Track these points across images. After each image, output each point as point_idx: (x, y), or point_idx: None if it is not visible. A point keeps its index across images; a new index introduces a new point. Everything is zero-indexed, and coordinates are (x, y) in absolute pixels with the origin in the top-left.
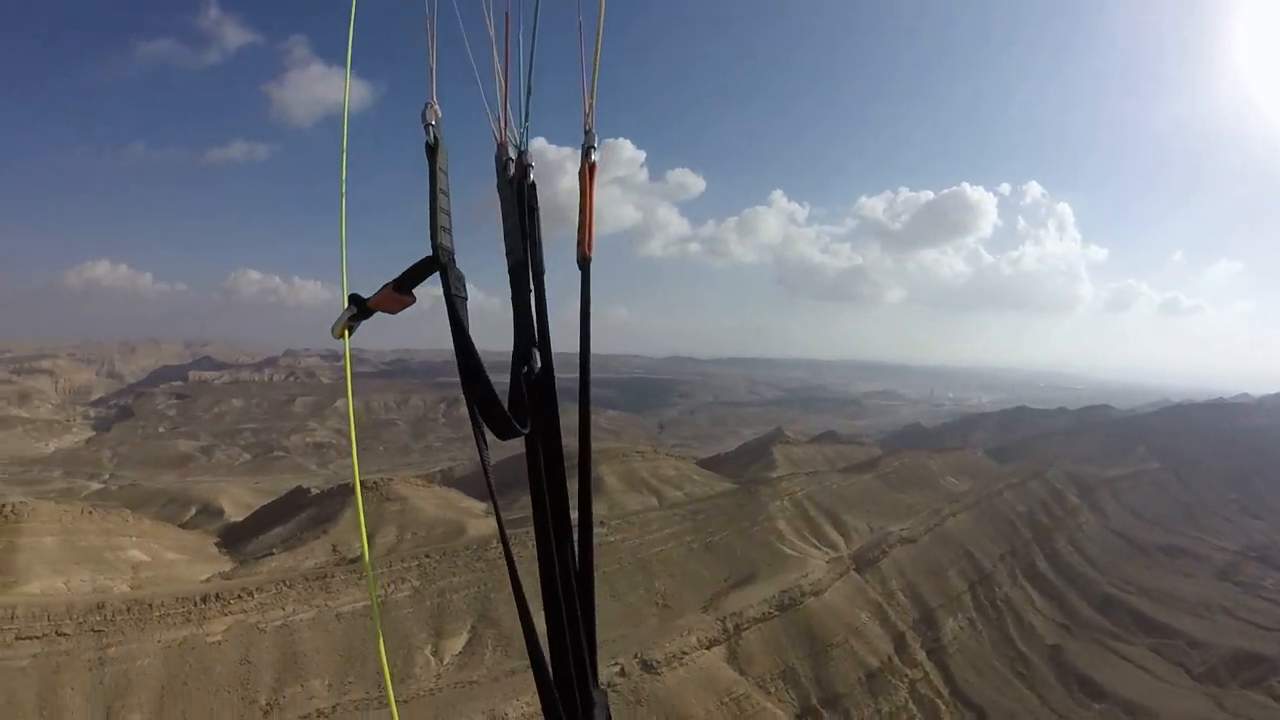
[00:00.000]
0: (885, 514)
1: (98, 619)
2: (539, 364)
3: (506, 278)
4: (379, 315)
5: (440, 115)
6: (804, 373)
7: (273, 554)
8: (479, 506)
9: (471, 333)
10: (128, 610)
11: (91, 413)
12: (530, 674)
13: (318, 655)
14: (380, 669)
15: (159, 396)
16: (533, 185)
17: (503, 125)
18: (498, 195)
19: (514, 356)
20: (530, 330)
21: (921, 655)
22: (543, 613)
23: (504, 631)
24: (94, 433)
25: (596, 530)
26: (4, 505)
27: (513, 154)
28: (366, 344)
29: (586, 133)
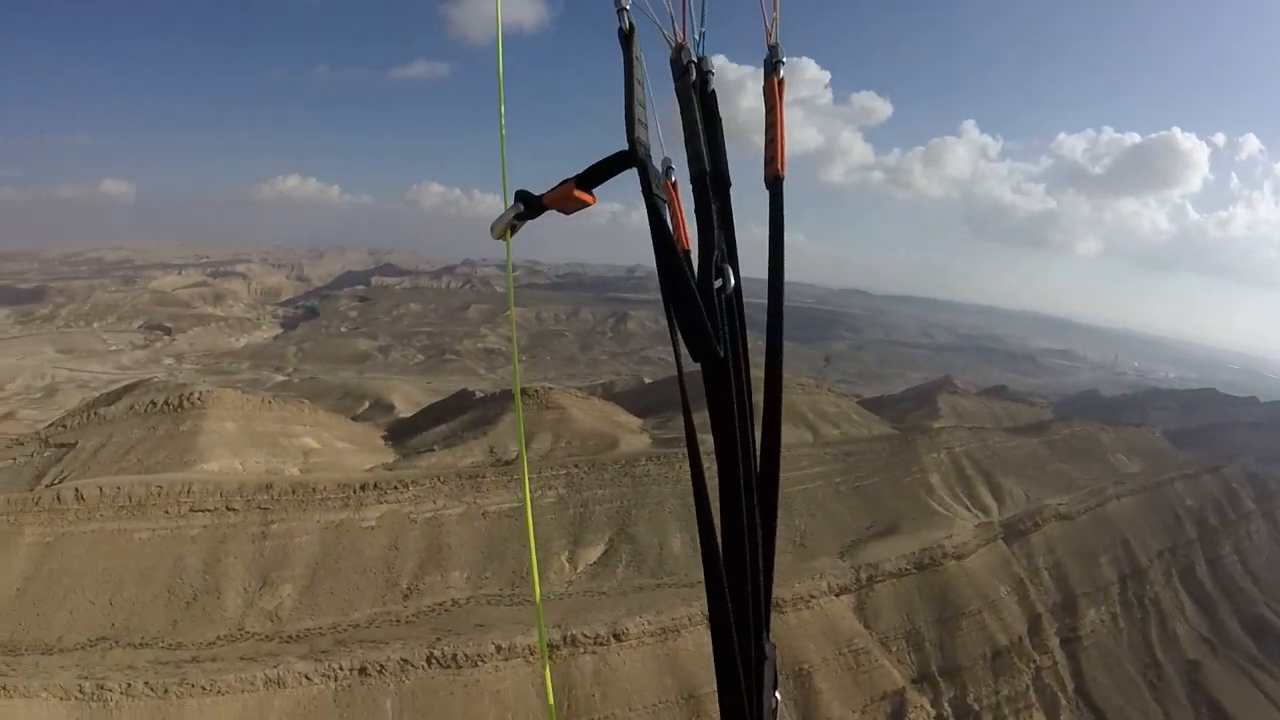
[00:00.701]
0: (1045, 484)
1: (265, 498)
2: (731, 281)
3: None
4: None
5: None
6: (981, 320)
7: (433, 450)
8: (635, 422)
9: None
10: (293, 492)
11: (280, 312)
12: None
13: (461, 549)
14: (523, 568)
15: (343, 299)
16: (713, 92)
17: (681, 25)
18: (676, 100)
19: (701, 271)
20: (719, 243)
21: (1054, 643)
22: (720, 549)
23: (639, 548)
24: (281, 330)
25: None
26: (193, 392)
27: (692, 56)
28: (541, 255)
29: (771, 47)
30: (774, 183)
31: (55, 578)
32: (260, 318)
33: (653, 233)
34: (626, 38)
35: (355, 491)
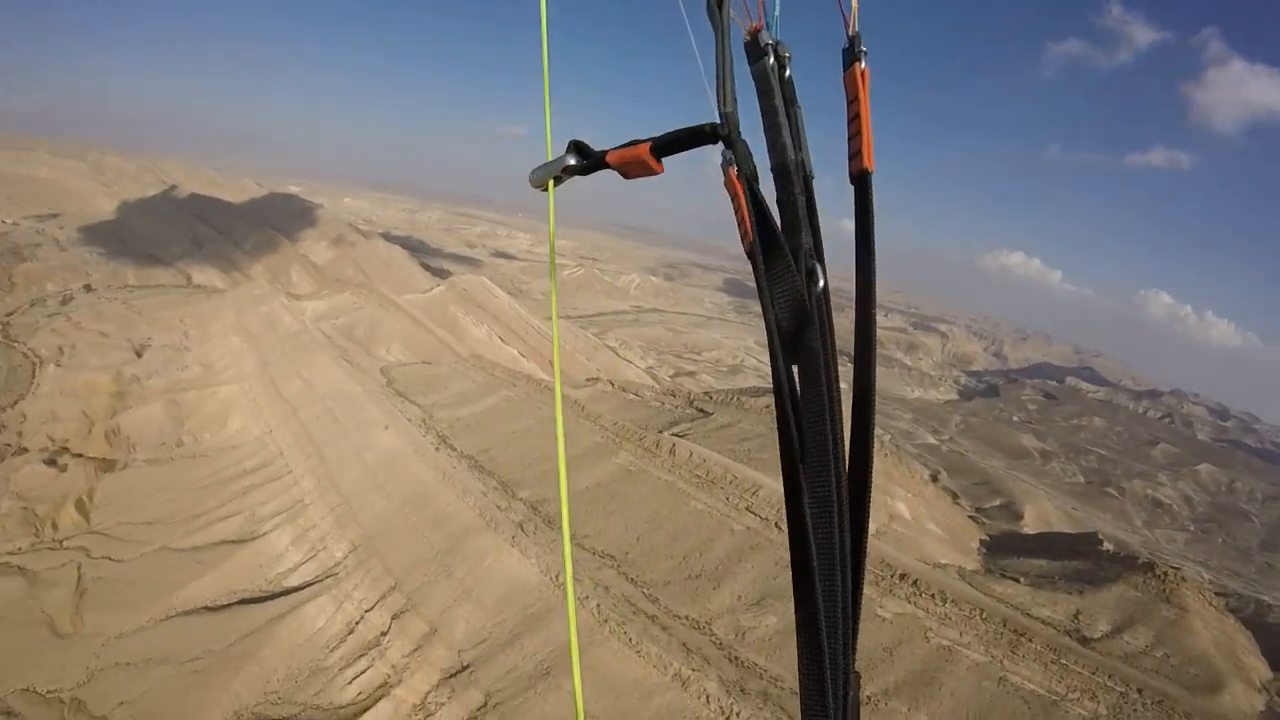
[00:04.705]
0: None
1: None
2: (820, 280)
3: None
4: None
5: None
6: None
7: (1017, 581)
8: (1263, 672)
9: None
10: None
11: (962, 380)
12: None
13: (949, 698)
14: None
15: (1028, 388)
16: (790, 78)
17: (760, 8)
18: (755, 87)
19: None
20: (807, 238)
21: None
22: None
23: None
24: (956, 397)
25: None
26: None
27: (769, 39)
28: (1264, 413)
29: (852, 38)
30: (860, 177)
31: (614, 496)
32: (942, 379)
33: (752, 217)
34: (718, 5)
35: (894, 577)
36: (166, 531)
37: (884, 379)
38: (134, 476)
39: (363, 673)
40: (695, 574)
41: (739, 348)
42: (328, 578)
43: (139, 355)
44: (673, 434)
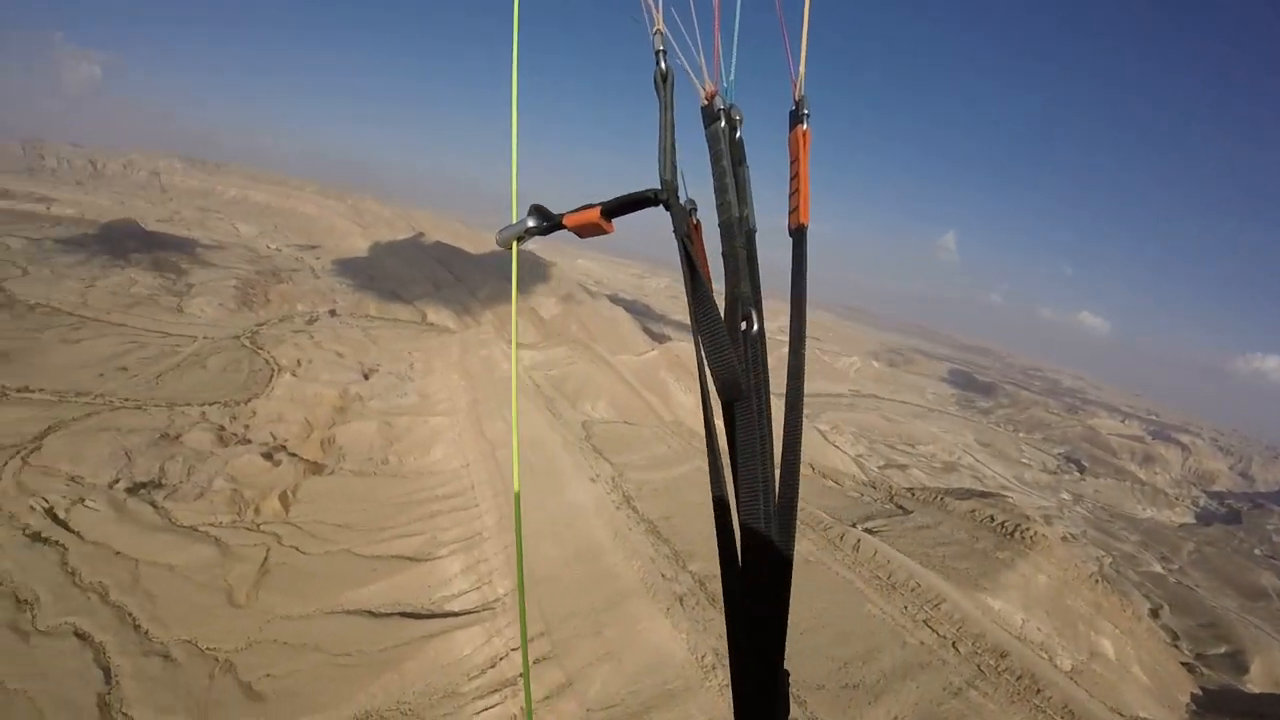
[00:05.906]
0: None
1: (992, 662)
2: (756, 324)
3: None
4: None
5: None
6: None
7: None
8: None
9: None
10: (1019, 679)
11: (1202, 500)
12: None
13: None
14: None
15: (1275, 516)
16: (741, 140)
17: (716, 74)
18: (708, 149)
19: (728, 313)
20: (746, 287)
21: None
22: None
23: None
24: (1192, 520)
25: None
26: (1031, 529)
27: (721, 105)
28: None
29: (797, 100)
30: (797, 232)
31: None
32: (1179, 498)
33: (684, 271)
34: (663, 81)
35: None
36: (353, 537)
37: (1113, 493)
38: (337, 483)
39: (493, 707)
40: (853, 683)
41: (957, 444)
42: (485, 610)
43: (366, 378)
44: (864, 528)
